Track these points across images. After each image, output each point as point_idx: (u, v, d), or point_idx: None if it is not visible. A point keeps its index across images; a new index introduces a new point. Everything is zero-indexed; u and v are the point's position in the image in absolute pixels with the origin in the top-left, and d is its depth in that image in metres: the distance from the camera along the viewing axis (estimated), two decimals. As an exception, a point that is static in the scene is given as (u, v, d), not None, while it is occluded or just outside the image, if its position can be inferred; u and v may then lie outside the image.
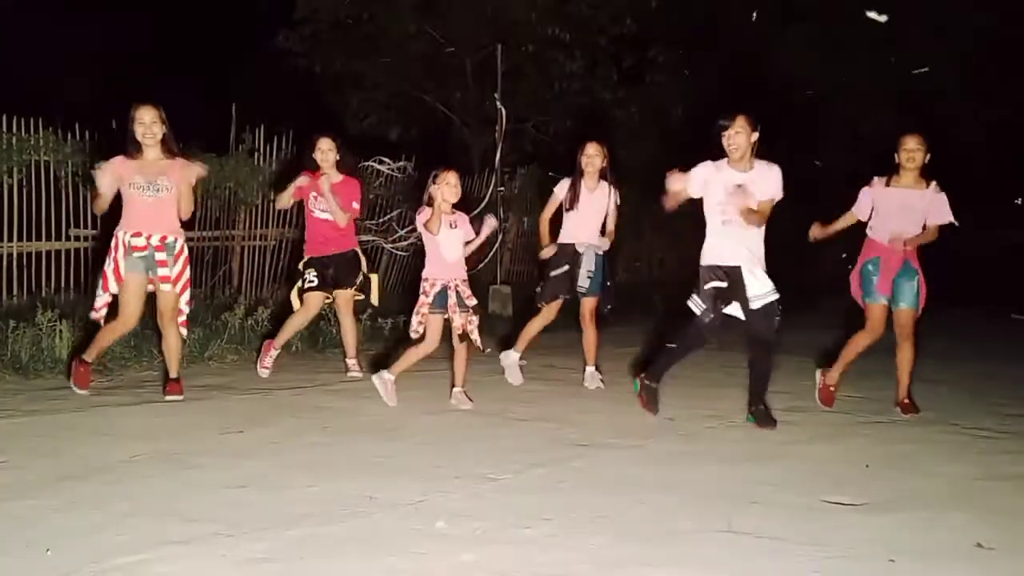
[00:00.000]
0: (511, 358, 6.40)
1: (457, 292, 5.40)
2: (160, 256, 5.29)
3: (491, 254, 10.75)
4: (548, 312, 6.23)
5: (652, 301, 11.58)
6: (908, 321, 5.52)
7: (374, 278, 6.47)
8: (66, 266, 7.84)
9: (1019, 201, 20.24)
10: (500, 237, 10.92)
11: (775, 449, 4.70)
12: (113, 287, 5.30)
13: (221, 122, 9.13)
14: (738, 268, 5.06)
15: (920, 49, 16.09)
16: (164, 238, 5.30)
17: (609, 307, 6.33)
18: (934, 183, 5.47)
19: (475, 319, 5.47)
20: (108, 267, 5.30)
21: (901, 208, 5.45)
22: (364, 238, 9.50)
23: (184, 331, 5.58)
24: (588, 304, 6.20)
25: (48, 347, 6.16)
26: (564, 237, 6.20)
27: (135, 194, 5.25)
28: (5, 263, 7.49)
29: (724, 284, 5.08)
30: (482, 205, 10.61)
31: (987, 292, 14.00)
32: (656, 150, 13.39)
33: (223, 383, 6.02)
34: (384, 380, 5.46)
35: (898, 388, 5.67)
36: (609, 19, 13.11)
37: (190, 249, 8.45)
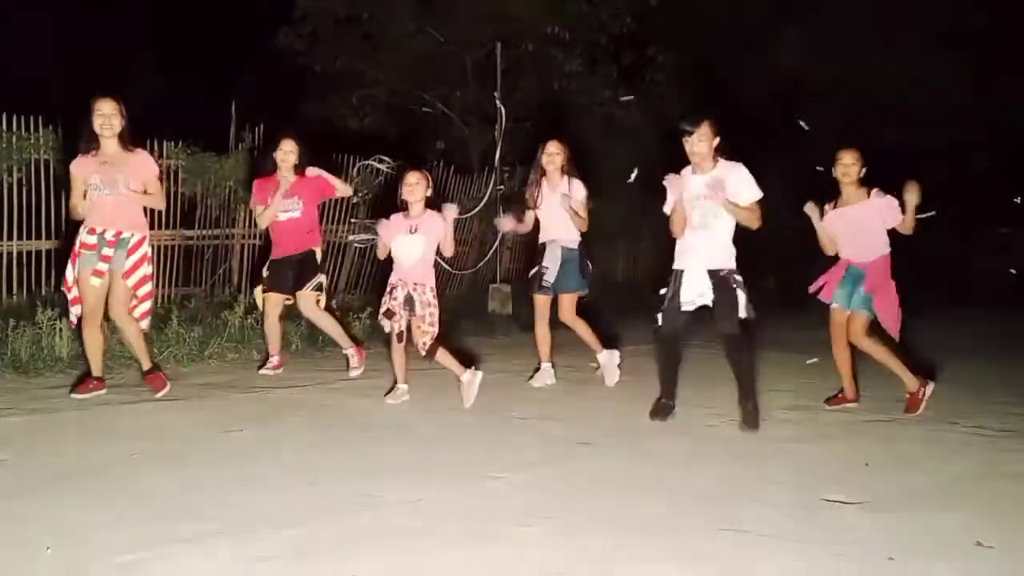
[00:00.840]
0: (544, 368, 6.37)
1: (409, 295, 5.42)
2: (107, 251, 5.24)
3: (490, 253, 10.75)
4: (538, 311, 6.25)
5: (651, 302, 11.58)
6: (856, 324, 5.51)
7: (324, 281, 6.39)
8: (66, 265, 7.82)
9: (1018, 200, 20.22)
10: (500, 236, 10.92)
11: (775, 447, 4.70)
12: (71, 284, 5.32)
13: (221, 121, 9.13)
14: (682, 272, 5.17)
15: (919, 48, 16.09)
16: (119, 233, 5.27)
17: (583, 295, 6.31)
18: (875, 190, 5.51)
19: (429, 327, 5.44)
20: (69, 266, 5.33)
21: (852, 228, 5.53)
22: (362, 236, 9.51)
23: (145, 323, 5.51)
24: (563, 301, 6.20)
25: (48, 346, 6.17)
26: (541, 236, 6.29)
27: (94, 194, 5.26)
28: (5, 262, 7.49)
29: (669, 292, 5.20)
30: (481, 204, 10.60)
31: (986, 290, 14.00)
32: (655, 149, 13.37)
33: (223, 382, 6.02)
34: (400, 396, 5.55)
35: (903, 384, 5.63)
36: (608, 17, 13.10)
37: (190, 248, 8.55)
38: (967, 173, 16.80)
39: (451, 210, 5.58)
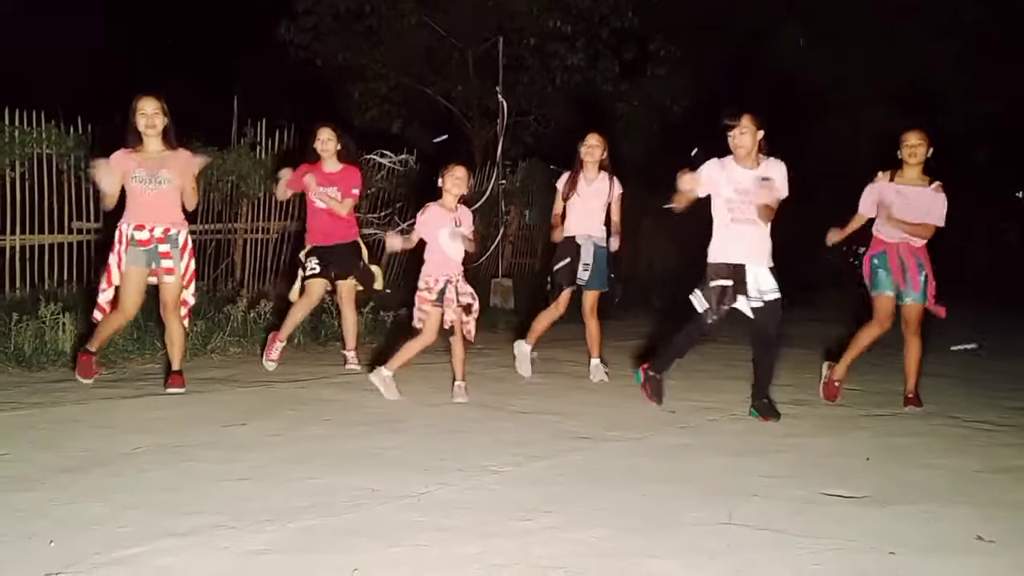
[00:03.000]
0: (523, 349, 6.39)
1: (456, 287, 5.43)
2: (163, 248, 5.33)
3: (492, 247, 10.76)
4: (558, 305, 6.24)
5: (652, 296, 11.60)
6: (915, 316, 5.49)
7: (377, 269, 6.45)
8: (69, 259, 7.85)
9: (1020, 195, 20.21)
10: (502, 230, 10.93)
11: (776, 442, 4.71)
12: (116, 280, 5.34)
13: (223, 115, 9.14)
14: (743, 266, 5.08)
15: (920, 42, 16.08)
16: (167, 230, 5.35)
17: (617, 300, 6.36)
18: (937, 183, 5.44)
19: (473, 316, 5.48)
20: (112, 260, 5.34)
21: (903, 206, 5.44)
22: (366, 231, 9.52)
23: (186, 322, 5.63)
24: (588, 297, 6.21)
25: (51, 340, 6.17)
26: (567, 230, 6.22)
27: (137, 187, 5.28)
28: (8, 256, 7.50)
29: (729, 282, 5.10)
30: (483, 199, 10.60)
31: (987, 285, 14.00)
32: (657, 144, 13.38)
33: (225, 376, 6.03)
34: (383, 377, 5.49)
35: (906, 382, 5.63)
36: (610, 11, 13.09)
37: (193, 242, 8.55)
38: (968, 166, 16.79)
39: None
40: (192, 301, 5.59)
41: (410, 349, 5.50)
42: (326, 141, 6.19)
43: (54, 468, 3.82)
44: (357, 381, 6.01)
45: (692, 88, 13.92)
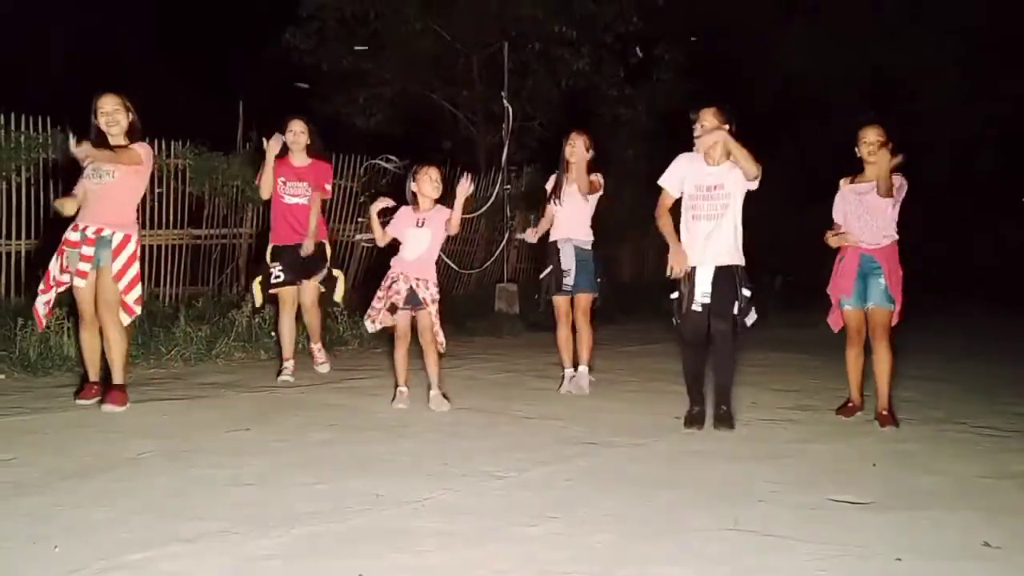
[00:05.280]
0: (567, 374, 6.14)
1: (412, 290, 5.34)
2: (87, 251, 4.91)
3: (497, 252, 10.76)
4: (559, 314, 6.07)
5: (658, 301, 11.58)
6: (881, 321, 5.19)
7: (340, 276, 6.34)
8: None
9: (1024, 199, 20.16)
10: (507, 235, 10.93)
11: (781, 448, 4.69)
12: (52, 284, 5.04)
13: (228, 120, 9.16)
14: (693, 269, 4.98)
15: (922, 43, 16.07)
16: (99, 231, 4.93)
17: (596, 303, 6.13)
18: (897, 173, 5.18)
19: (433, 316, 5.37)
20: (51, 263, 5.04)
21: (866, 206, 5.21)
22: (369, 235, 9.53)
23: (127, 319, 5.05)
24: (579, 301, 6.01)
25: (56, 345, 6.19)
26: (552, 234, 6.07)
27: (85, 183, 5.00)
28: (14, 260, 7.52)
29: (683, 288, 5.01)
30: (488, 203, 10.61)
31: (993, 290, 13.95)
32: (662, 149, 13.37)
33: (230, 381, 6.03)
34: (403, 397, 5.47)
35: (877, 399, 5.26)
36: (615, 16, 13.11)
37: (198, 247, 8.58)
38: (971, 170, 16.74)
39: (465, 183, 5.35)
40: (137, 309, 5.08)
41: (397, 358, 5.49)
42: (298, 134, 6.12)
43: (59, 473, 3.82)
44: (361, 387, 6.01)
45: (695, 91, 13.92)
